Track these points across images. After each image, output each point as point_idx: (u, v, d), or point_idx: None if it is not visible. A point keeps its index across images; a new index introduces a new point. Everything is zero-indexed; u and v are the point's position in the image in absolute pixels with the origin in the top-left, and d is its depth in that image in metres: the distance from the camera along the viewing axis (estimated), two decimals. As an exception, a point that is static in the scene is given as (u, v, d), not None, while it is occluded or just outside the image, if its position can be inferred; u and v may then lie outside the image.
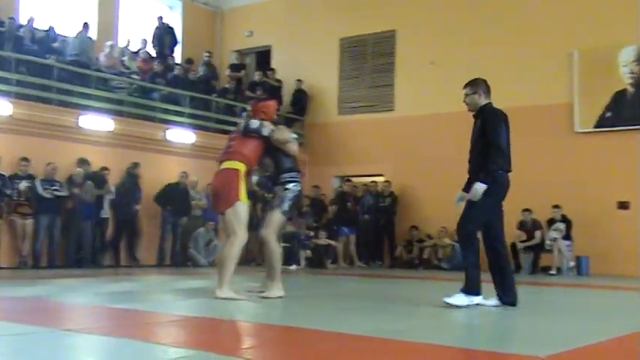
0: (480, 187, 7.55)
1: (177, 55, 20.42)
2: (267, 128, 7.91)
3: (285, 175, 7.93)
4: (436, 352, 4.48)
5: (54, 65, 14.97)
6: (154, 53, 19.02)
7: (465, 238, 7.63)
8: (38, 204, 13.72)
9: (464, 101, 8.16)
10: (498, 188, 7.64)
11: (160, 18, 19.55)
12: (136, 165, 15.33)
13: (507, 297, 7.45)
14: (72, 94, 15.02)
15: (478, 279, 7.43)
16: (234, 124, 18.20)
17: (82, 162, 14.44)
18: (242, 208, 7.57)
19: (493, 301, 7.42)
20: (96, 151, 15.08)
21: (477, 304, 7.26)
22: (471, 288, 7.39)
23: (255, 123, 7.88)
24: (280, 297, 7.68)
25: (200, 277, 11.71)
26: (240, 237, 7.56)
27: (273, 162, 7.99)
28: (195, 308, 7.06)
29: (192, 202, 16.17)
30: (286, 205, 7.87)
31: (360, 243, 17.84)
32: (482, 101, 8.02)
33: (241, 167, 7.63)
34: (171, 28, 19.81)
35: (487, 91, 7.97)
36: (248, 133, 7.84)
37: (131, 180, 15.29)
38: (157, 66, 17.96)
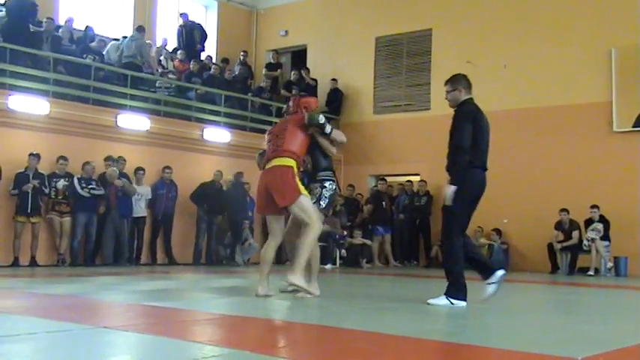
0: (449, 191, 7.40)
1: (211, 51, 20.47)
2: (329, 126, 7.94)
3: (322, 173, 7.96)
4: (472, 353, 4.44)
5: (92, 65, 15.10)
6: (180, 52, 18.94)
7: (448, 249, 7.53)
8: (76, 202, 13.84)
9: (445, 98, 7.90)
10: (471, 186, 7.48)
11: (185, 15, 19.30)
12: (240, 174, 15.92)
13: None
14: (109, 94, 15.13)
15: (464, 286, 7.29)
16: (270, 123, 18.28)
17: (110, 159, 14.47)
18: (306, 200, 7.49)
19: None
20: (132, 150, 15.19)
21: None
22: (457, 294, 7.22)
23: (321, 118, 7.80)
24: (316, 296, 7.65)
25: (235, 276, 11.74)
26: (315, 226, 7.44)
27: (312, 160, 7.99)
28: (231, 306, 7.07)
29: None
30: (324, 203, 7.86)
31: (396, 242, 17.80)
32: (463, 97, 7.70)
33: (293, 164, 7.58)
34: (199, 24, 19.63)
35: (468, 86, 7.78)
36: (312, 126, 7.76)
37: (238, 189, 15.87)
38: (192, 65, 18.02)
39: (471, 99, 7.66)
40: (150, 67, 17.00)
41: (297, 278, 7.30)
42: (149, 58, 17.07)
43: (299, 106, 8.17)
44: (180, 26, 19.29)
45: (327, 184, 7.92)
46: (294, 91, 19.53)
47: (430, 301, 7.15)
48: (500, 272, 7.27)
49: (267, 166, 7.67)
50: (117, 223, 14.37)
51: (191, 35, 18.95)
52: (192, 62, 18.16)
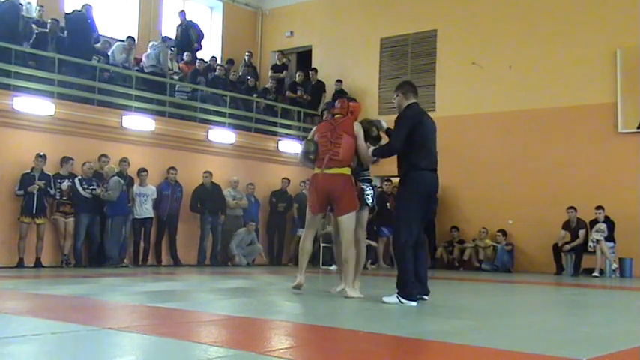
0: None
1: (216, 53, 20.48)
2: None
3: (365, 172, 8.42)
4: (475, 354, 4.44)
5: (97, 66, 15.11)
6: (186, 54, 18.77)
7: (399, 251, 7.56)
8: (78, 203, 13.85)
9: (394, 105, 8.10)
10: (417, 187, 7.63)
11: (182, 13, 18.90)
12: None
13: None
14: (114, 95, 15.14)
15: (413, 285, 7.40)
16: (275, 124, 18.30)
17: (103, 157, 14.49)
18: (361, 213, 8.20)
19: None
20: (137, 151, 15.21)
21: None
22: (406, 293, 7.32)
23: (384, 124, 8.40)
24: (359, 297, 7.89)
25: (240, 277, 11.74)
26: (352, 244, 7.98)
27: (357, 160, 8.30)
28: (236, 308, 7.07)
29: (232, 202, 16.24)
30: (374, 201, 8.40)
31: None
32: (407, 102, 7.80)
33: (349, 172, 8.02)
34: (195, 23, 19.16)
35: (412, 91, 7.88)
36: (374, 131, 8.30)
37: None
38: (198, 64, 18.05)
39: (416, 103, 7.81)
40: (165, 73, 17.07)
41: (352, 291, 7.82)
42: (165, 66, 17.18)
43: (347, 110, 8.34)
44: (178, 25, 19.04)
45: (369, 184, 8.42)
46: (298, 92, 19.58)
47: (384, 298, 7.37)
48: (409, 303, 7.21)
49: (327, 172, 7.97)
50: (115, 224, 14.35)
51: (187, 34, 18.70)
52: (197, 62, 18.17)
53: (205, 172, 15.94)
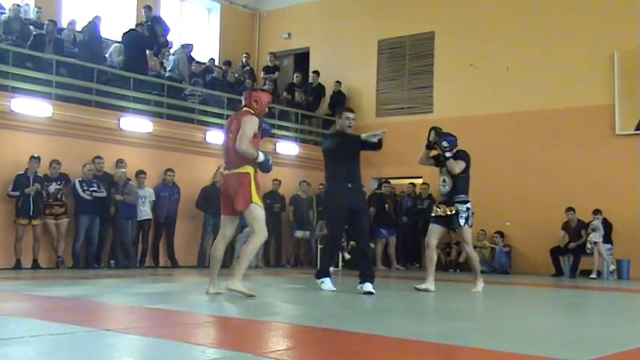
0: None
1: (214, 54, 20.48)
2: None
3: (460, 196, 9.84)
4: (474, 356, 4.43)
5: (94, 67, 15.11)
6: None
7: (328, 245, 9.73)
8: (77, 205, 13.85)
9: (350, 126, 9.27)
10: (329, 198, 9.27)
11: (147, 8, 17.78)
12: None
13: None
14: (112, 96, 15.14)
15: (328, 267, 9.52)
16: (272, 126, 18.27)
17: (97, 158, 14.48)
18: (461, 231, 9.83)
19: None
20: (135, 153, 15.21)
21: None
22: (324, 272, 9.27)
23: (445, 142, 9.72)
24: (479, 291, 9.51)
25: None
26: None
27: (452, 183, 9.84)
28: (234, 309, 7.06)
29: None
30: (467, 221, 9.93)
31: (399, 245, 17.79)
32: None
33: (244, 170, 7.91)
34: (159, 17, 18.07)
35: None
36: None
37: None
38: (194, 67, 18.09)
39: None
40: (183, 79, 17.29)
41: (234, 284, 7.71)
42: (184, 71, 17.37)
43: (250, 100, 8.04)
44: (145, 22, 17.79)
45: (468, 205, 9.76)
46: (297, 94, 19.58)
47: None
48: (325, 284, 9.19)
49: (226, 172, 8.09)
50: (121, 226, 14.40)
51: (153, 30, 17.70)
52: (194, 63, 18.18)
53: (217, 172, 15.93)
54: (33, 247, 13.37)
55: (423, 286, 9.44)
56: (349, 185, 8.89)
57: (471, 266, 9.89)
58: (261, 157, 7.69)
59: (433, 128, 9.68)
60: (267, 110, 8.40)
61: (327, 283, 9.16)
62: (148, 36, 16.73)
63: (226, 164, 7.92)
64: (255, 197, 7.65)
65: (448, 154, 9.39)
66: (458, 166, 9.38)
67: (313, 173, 17.67)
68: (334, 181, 9.00)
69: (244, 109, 7.95)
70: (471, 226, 9.73)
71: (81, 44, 15.78)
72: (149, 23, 17.42)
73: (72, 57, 15.10)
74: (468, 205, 9.49)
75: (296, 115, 19.38)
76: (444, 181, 9.68)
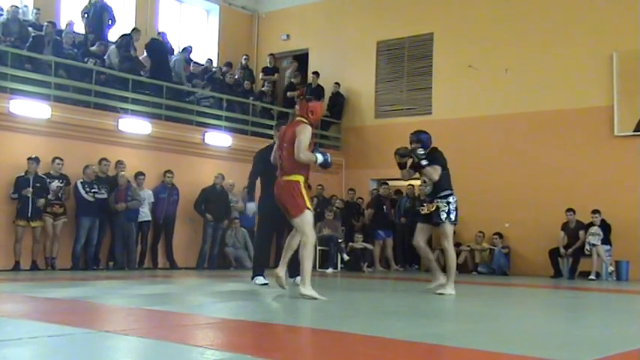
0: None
1: (213, 55, 20.49)
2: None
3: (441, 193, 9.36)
4: (474, 357, 4.43)
5: (93, 69, 15.12)
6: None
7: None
8: (79, 206, 13.85)
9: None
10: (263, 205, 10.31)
11: None
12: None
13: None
14: (111, 98, 15.15)
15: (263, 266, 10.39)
16: (271, 127, 18.25)
17: (104, 160, 14.53)
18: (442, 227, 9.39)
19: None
20: (133, 154, 15.19)
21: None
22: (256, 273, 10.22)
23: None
24: (452, 294, 8.96)
25: (238, 280, 11.72)
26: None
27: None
28: (233, 311, 7.07)
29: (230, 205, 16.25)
30: (449, 216, 9.39)
31: (397, 246, 17.79)
32: None
33: (295, 179, 8.23)
34: (110, 6, 17.16)
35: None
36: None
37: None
38: (192, 68, 18.15)
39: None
40: (181, 81, 17.46)
41: (307, 289, 7.87)
42: (182, 74, 17.60)
43: (307, 111, 8.33)
44: (90, 4, 16.98)
45: (450, 199, 9.28)
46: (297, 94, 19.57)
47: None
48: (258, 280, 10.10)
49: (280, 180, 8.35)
50: (124, 227, 14.42)
51: (100, 16, 16.98)
52: (192, 64, 18.22)
53: (218, 174, 15.97)
54: (32, 249, 13.35)
55: (443, 291, 9.14)
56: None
57: (446, 266, 9.49)
58: (320, 158, 8.07)
59: (396, 152, 9.55)
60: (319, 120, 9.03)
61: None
62: (167, 44, 17.41)
63: (280, 171, 8.23)
64: (309, 203, 8.01)
65: (424, 162, 9.22)
66: (435, 173, 9.22)
67: (312, 174, 17.62)
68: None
69: (298, 119, 8.21)
70: (454, 222, 9.42)
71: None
72: (96, 7, 16.85)
73: (71, 58, 15.09)
74: (449, 199, 9.26)
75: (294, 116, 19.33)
76: (424, 182, 9.69)
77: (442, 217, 9.23)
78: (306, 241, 7.89)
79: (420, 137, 9.45)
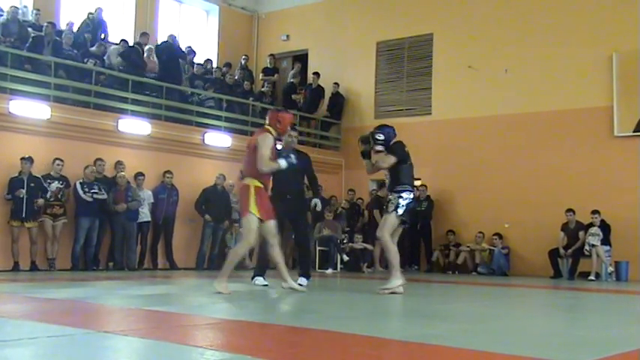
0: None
1: (212, 56, 20.49)
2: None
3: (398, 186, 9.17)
4: (473, 358, 4.43)
5: (93, 69, 15.12)
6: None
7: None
8: (78, 207, 13.84)
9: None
10: None
11: (100, 10, 17.29)
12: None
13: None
14: (110, 98, 15.14)
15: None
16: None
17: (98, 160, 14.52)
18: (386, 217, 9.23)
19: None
20: (133, 155, 15.19)
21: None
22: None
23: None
24: (400, 285, 8.93)
25: (236, 281, 11.70)
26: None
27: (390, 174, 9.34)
28: (233, 311, 7.07)
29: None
30: (401, 211, 9.11)
31: (397, 247, 17.76)
32: None
33: (249, 182, 8.72)
34: (104, 21, 17.40)
35: None
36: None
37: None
38: (196, 69, 18.15)
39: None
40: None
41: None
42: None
43: (275, 121, 8.90)
44: (90, 17, 17.21)
45: (403, 194, 8.98)
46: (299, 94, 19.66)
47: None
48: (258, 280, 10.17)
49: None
50: (124, 228, 14.43)
51: (95, 31, 17.25)
52: (195, 67, 18.23)
53: (219, 175, 15.98)
54: (30, 250, 13.33)
55: (387, 286, 9.03)
56: (287, 196, 9.90)
57: (387, 259, 9.31)
58: (283, 164, 8.54)
59: (360, 140, 9.56)
60: (289, 129, 9.33)
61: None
62: (179, 48, 17.66)
63: (240, 173, 9.06)
64: (252, 207, 8.40)
65: (379, 147, 9.09)
66: (385, 162, 9.08)
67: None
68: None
69: (265, 127, 8.78)
70: (401, 217, 9.08)
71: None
72: (94, 22, 17.11)
73: (70, 58, 15.08)
74: (402, 194, 9.03)
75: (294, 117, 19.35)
76: (385, 175, 9.61)
77: (389, 209, 9.03)
78: (243, 242, 8.71)
79: (382, 130, 9.30)
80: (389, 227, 9.05)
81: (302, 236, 10.47)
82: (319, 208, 9.77)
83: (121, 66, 16.09)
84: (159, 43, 17.90)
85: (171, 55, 17.32)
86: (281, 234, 11.09)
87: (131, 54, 16.44)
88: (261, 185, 8.53)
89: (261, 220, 8.45)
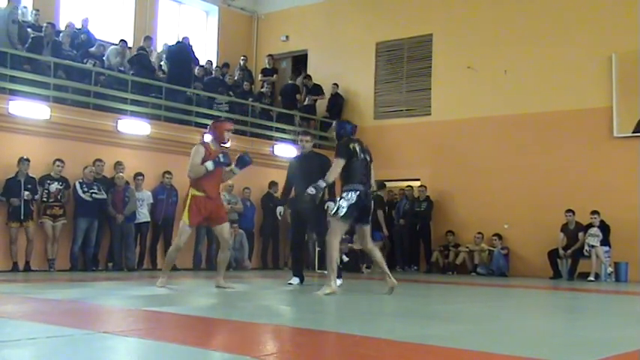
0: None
1: (212, 56, 20.51)
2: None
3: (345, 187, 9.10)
4: (473, 358, 4.43)
5: (92, 70, 15.12)
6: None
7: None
8: (77, 207, 13.84)
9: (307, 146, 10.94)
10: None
11: (86, 20, 17.11)
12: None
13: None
14: (110, 99, 15.14)
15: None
16: (270, 128, 18.28)
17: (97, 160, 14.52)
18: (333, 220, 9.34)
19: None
20: (133, 155, 15.19)
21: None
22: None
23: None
24: (329, 294, 8.54)
25: (235, 281, 11.70)
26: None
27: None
28: (232, 311, 7.06)
29: (227, 206, 16.18)
30: (341, 212, 8.78)
31: (396, 248, 17.79)
32: None
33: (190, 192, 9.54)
34: (92, 34, 17.10)
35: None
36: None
37: None
38: (197, 71, 18.14)
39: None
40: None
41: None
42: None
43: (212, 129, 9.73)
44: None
45: (345, 194, 8.66)
46: (303, 95, 19.68)
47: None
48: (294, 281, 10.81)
49: None
50: (123, 228, 14.43)
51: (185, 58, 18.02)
52: (197, 68, 18.23)
53: None
54: (26, 250, 13.31)
55: (325, 291, 8.62)
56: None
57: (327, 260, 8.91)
58: (210, 166, 9.16)
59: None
60: (227, 137, 9.60)
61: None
62: (189, 49, 17.72)
63: None
64: (184, 215, 9.33)
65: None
66: (334, 169, 8.70)
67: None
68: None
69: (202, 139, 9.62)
70: (341, 217, 8.58)
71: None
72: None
73: (70, 59, 15.09)
74: (343, 194, 8.67)
75: (294, 118, 19.37)
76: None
77: (332, 213, 8.72)
78: (173, 245, 9.77)
79: (338, 126, 9.19)
80: (334, 232, 8.70)
81: (320, 237, 10.57)
82: (332, 210, 9.69)
83: (132, 71, 16.17)
84: (171, 44, 18.04)
85: (184, 59, 17.37)
86: (303, 235, 11.71)
87: (141, 59, 16.55)
88: (201, 194, 9.22)
89: (213, 225, 9.60)
